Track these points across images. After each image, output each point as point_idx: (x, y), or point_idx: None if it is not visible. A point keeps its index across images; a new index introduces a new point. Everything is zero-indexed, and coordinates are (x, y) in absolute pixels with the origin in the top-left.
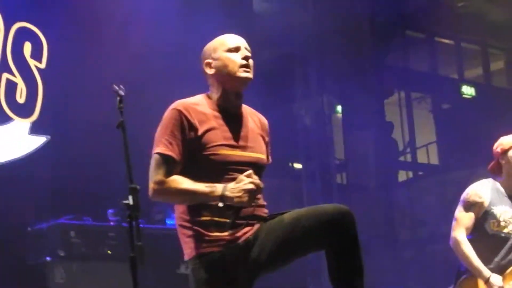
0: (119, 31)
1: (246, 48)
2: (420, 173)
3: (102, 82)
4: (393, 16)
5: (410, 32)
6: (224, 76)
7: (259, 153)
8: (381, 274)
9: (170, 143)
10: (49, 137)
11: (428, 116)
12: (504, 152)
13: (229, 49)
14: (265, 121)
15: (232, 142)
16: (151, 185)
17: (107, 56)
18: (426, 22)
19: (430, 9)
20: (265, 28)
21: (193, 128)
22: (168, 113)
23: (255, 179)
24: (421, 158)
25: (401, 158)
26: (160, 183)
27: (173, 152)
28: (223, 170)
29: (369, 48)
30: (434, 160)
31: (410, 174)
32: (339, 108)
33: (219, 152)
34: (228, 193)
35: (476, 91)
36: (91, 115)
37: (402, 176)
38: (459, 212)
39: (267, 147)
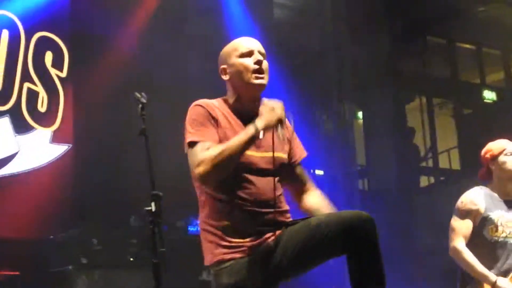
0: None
1: (259, 52)
2: (442, 178)
3: (123, 90)
4: (413, 22)
5: (431, 37)
6: (238, 82)
7: (278, 152)
8: (403, 280)
9: (201, 130)
10: (70, 145)
11: (450, 121)
12: (494, 157)
13: (241, 54)
14: (288, 123)
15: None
16: (197, 170)
17: (126, 63)
18: (447, 28)
19: (450, 15)
20: (285, 35)
21: (216, 122)
22: (192, 109)
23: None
24: (443, 163)
25: (423, 164)
26: (202, 161)
27: (205, 137)
28: (239, 170)
29: (390, 54)
30: (456, 165)
31: (432, 180)
32: (360, 114)
33: None
34: (259, 123)
35: (498, 96)
36: (113, 123)
37: (424, 181)
38: (455, 221)
39: (291, 143)
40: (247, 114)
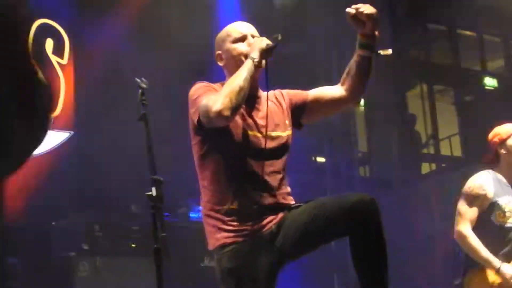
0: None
1: (252, 36)
2: (443, 165)
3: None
4: (414, 9)
5: (432, 25)
6: (234, 67)
7: (279, 131)
8: (405, 268)
9: (207, 92)
10: (72, 132)
11: (451, 108)
12: (502, 141)
13: (235, 39)
14: (282, 91)
15: (248, 125)
16: (215, 108)
17: (129, 49)
18: (448, 15)
19: (451, 2)
20: (285, 22)
21: None
22: (195, 85)
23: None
24: (445, 150)
25: (424, 151)
26: (216, 100)
27: (212, 94)
28: (239, 152)
29: (390, 42)
30: (457, 152)
31: (434, 166)
32: (361, 101)
33: (234, 133)
34: (252, 54)
35: (499, 83)
36: (114, 109)
37: (425, 168)
38: (462, 205)
39: (291, 104)
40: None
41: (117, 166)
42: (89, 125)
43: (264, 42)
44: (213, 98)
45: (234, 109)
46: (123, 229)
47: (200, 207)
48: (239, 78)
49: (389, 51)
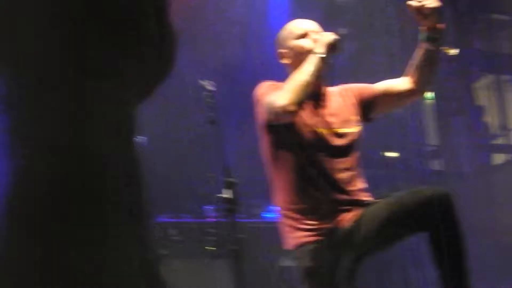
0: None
1: (314, 32)
2: None
3: (191, 78)
4: (476, 0)
5: (496, 15)
6: (298, 64)
7: (347, 128)
8: (481, 261)
9: (273, 90)
10: (144, 138)
11: None
12: None
13: (297, 36)
14: (348, 86)
15: (316, 122)
16: (279, 103)
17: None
18: (511, 4)
19: None
20: (345, 16)
21: None
22: (261, 85)
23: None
24: None
25: (494, 141)
26: (280, 95)
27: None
28: (312, 149)
29: (455, 34)
30: None
31: (505, 157)
32: (430, 94)
33: (303, 132)
34: (319, 49)
35: None
36: (185, 112)
37: (497, 159)
38: None
39: (360, 96)
40: (312, 93)
41: (189, 168)
42: (162, 128)
43: (330, 37)
44: (278, 94)
45: (298, 104)
46: (198, 231)
47: (273, 207)
48: (304, 73)
49: (455, 51)
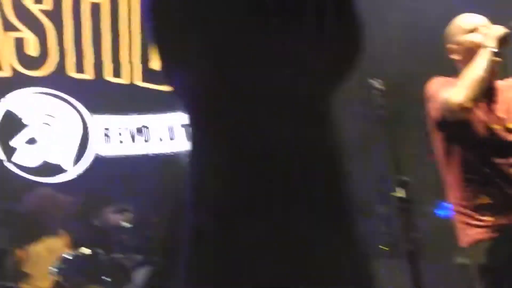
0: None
1: (483, 26)
2: None
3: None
4: None
5: None
6: (468, 59)
7: None
8: None
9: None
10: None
11: None
12: None
13: (466, 31)
14: None
15: (488, 118)
16: (454, 99)
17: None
18: None
19: None
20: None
21: None
22: (432, 81)
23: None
24: None
25: None
26: (455, 92)
27: None
28: (484, 146)
29: None
30: None
31: None
32: None
33: (476, 127)
34: (490, 43)
35: None
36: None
37: None
38: None
39: None
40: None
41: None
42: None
43: (500, 30)
44: (453, 90)
45: (474, 100)
46: (371, 232)
47: (447, 204)
48: (478, 68)
49: None
